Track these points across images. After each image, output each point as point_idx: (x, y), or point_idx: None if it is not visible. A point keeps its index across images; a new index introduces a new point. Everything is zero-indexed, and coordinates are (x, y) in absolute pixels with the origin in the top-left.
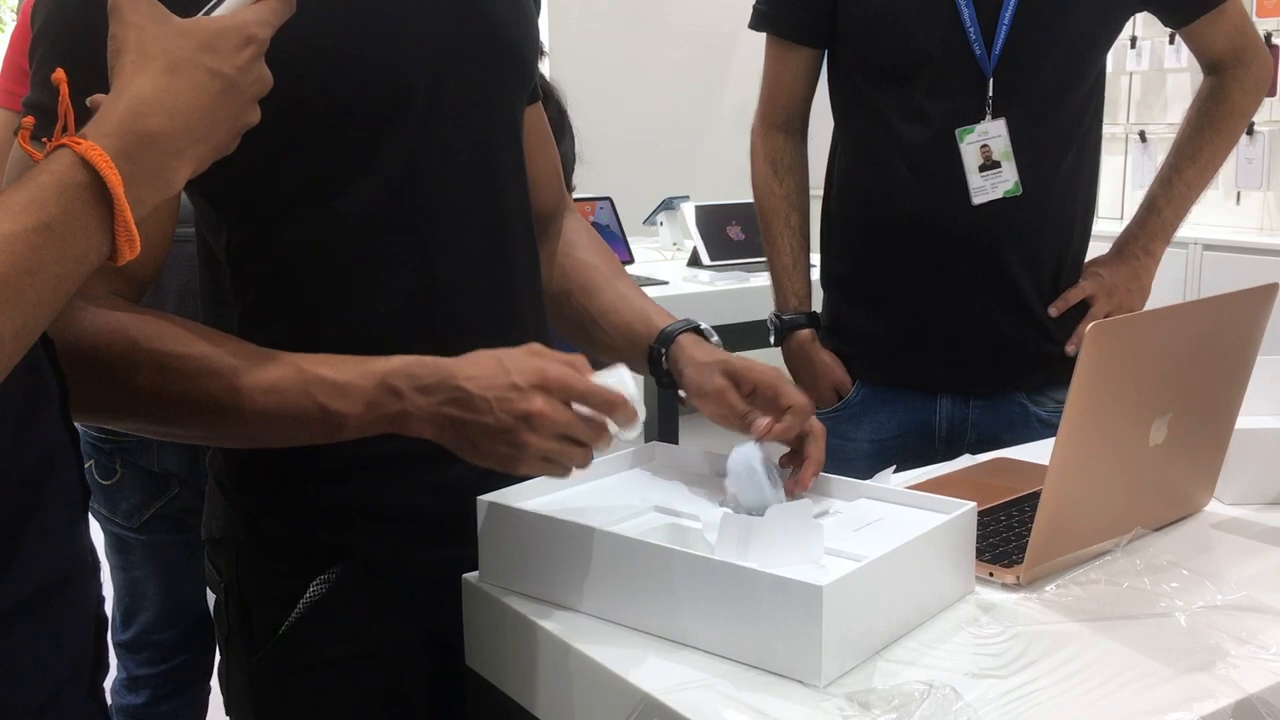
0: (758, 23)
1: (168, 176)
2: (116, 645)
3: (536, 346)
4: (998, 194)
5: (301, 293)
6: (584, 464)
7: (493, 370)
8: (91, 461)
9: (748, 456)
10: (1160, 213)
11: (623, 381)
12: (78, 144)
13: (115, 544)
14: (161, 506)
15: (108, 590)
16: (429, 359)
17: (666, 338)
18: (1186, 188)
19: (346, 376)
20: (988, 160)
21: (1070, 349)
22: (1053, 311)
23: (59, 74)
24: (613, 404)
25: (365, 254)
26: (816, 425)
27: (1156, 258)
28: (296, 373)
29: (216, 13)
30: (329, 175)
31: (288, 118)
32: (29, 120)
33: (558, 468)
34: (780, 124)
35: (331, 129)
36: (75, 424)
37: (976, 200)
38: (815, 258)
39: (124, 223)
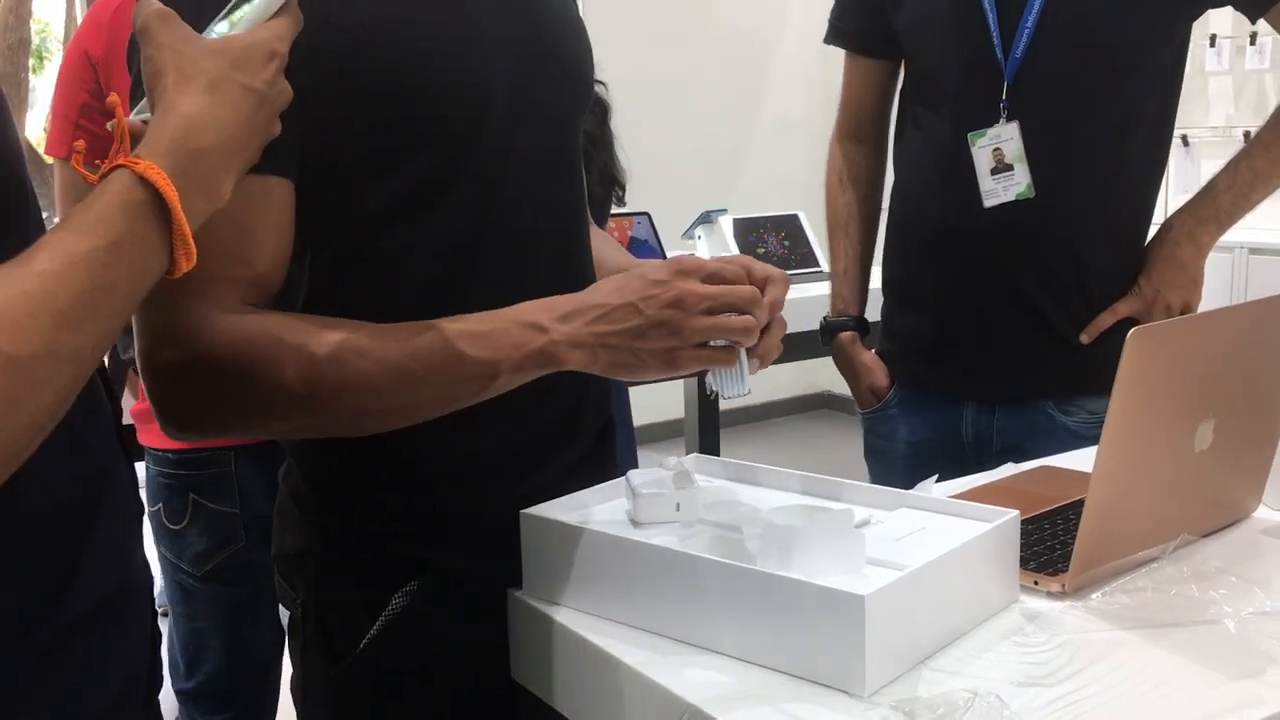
0: (830, 37)
1: (217, 189)
2: (179, 693)
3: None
4: (1009, 196)
5: (386, 308)
6: (748, 333)
7: (625, 280)
8: (160, 504)
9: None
10: (1217, 197)
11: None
12: (136, 164)
13: (179, 593)
14: (228, 556)
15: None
16: (562, 295)
17: None
18: (1253, 176)
19: (487, 326)
20: (999, 163)
21: (1084, 338)
22: (1083, 339)
23: (113, 98)
24: (747, 266)
25: (451, 270)
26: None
27: (1202, 244)
28: (438, 334)
29: (235, 31)
30: (414, 195)
31: (374, 139)
32: (81, 144)
33: (723, 354)
34: (852, 133)
35: (416, 149)
36: (147, 464)
37: (988, 203)
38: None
39: (182, 236)
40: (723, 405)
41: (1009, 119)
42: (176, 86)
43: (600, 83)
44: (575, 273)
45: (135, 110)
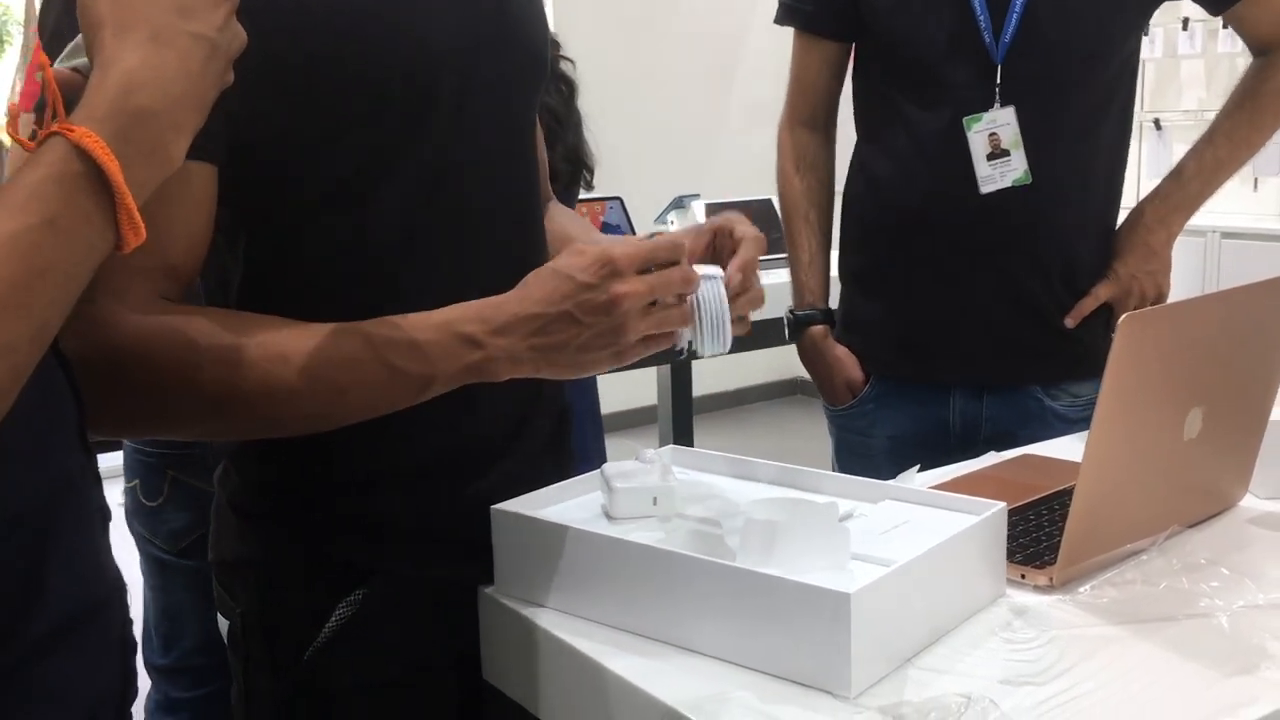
0: (783, 17)
1: (167, 153)
2: (154, 669)
3: (577, 246)
4: (1006, 183)
5: (329, 298)
6: (685, 321)
7: (557, 282)
8: (137, 481)
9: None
10: (1185, 185)
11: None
12: (70, 131)
13: (154, 566)
14: (205, 533)
15: (137, 611)
16: (492, 299)
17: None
18: (1217, 163)
19: (419, 335)
20: (996, 149)
21: (1069, 322)
22: (1069, 323)
23: (41, 56)
24: (676, 245)
25: (396, 257)
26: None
27: (1173, 231)
28: (365, 342)
29: None
30: (357, 178)
31: (315, 118)
32: (13, 107)
33: (663, 341)
34: (805, 120)
35: (361, 128)
36: (124, 441)
37: (984, 189)
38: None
39: (127, 209)
40: (704, 355)
41: (1004, 104)
42: (116, 38)
43: (569, 59)
44: (527, 250)
45: (61, 57)
